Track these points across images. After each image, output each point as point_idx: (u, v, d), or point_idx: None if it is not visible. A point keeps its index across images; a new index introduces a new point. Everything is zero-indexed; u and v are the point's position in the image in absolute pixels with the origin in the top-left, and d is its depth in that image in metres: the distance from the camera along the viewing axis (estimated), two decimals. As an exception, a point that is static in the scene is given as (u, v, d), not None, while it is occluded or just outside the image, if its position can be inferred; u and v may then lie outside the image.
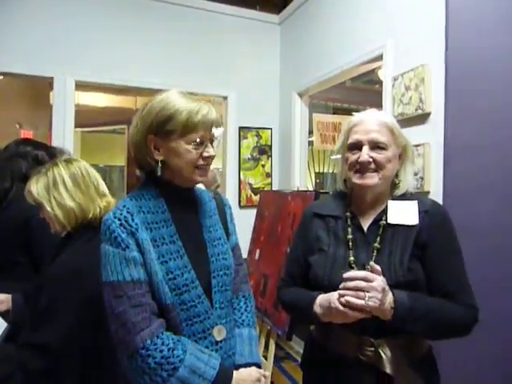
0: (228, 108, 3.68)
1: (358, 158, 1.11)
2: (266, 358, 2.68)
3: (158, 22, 3.40)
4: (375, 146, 1.11)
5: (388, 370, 1.01)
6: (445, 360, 1.92)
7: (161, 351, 0.91)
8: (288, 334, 2.45)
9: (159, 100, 1.01)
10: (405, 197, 1.16)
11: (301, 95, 3.54)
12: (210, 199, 1.17)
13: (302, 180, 3.55)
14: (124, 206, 0.99)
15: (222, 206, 1.20)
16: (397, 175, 1.18)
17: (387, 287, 0.98)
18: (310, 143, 3.96)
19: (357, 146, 1.13)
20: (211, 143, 1.05)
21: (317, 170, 5.30)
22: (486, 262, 1.85)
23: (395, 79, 2.29)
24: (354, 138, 1.14)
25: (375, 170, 1.11)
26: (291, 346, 3.29)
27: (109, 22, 3.25)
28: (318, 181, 6.00)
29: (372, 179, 1.11)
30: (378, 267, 1.00)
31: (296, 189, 3.10)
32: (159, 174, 1.01)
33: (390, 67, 2.36)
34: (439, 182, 2.01)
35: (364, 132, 1.12)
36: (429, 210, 1.11)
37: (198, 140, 1.00)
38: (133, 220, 0.97)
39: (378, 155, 1.10)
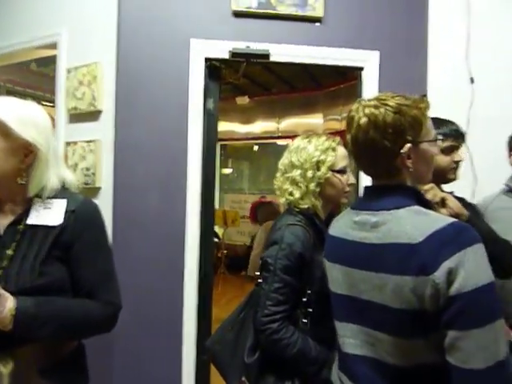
0: None
1: None
2: None
3: None
4: None
5: None
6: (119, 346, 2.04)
7: None
8: None
9: None
10: (55, 195, 1.09)
11: (-41, 69, 2.90)
12: None
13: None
14: None
15: None
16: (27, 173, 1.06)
17: (7, 294, 0.92)
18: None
19: None
20: None
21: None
22: (154, 248, 2.10)
23: (69, 72, 2.22)
24: None
25: None
26: None
27: None
28: None
29: None
30: None
31: None
32: None
33: (64, 58, 2.26)
34: (110, 178, 2.11)
35: None
36: (76, 209, 1.08)
37: None
38: None
39: None
